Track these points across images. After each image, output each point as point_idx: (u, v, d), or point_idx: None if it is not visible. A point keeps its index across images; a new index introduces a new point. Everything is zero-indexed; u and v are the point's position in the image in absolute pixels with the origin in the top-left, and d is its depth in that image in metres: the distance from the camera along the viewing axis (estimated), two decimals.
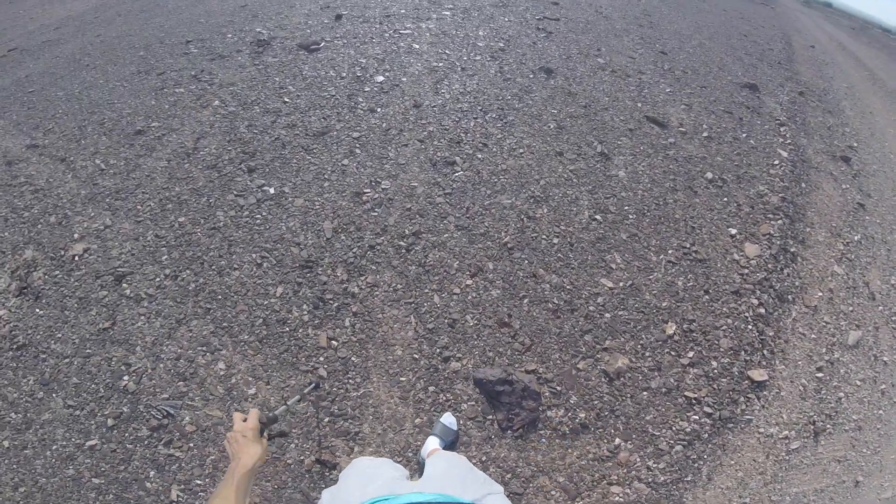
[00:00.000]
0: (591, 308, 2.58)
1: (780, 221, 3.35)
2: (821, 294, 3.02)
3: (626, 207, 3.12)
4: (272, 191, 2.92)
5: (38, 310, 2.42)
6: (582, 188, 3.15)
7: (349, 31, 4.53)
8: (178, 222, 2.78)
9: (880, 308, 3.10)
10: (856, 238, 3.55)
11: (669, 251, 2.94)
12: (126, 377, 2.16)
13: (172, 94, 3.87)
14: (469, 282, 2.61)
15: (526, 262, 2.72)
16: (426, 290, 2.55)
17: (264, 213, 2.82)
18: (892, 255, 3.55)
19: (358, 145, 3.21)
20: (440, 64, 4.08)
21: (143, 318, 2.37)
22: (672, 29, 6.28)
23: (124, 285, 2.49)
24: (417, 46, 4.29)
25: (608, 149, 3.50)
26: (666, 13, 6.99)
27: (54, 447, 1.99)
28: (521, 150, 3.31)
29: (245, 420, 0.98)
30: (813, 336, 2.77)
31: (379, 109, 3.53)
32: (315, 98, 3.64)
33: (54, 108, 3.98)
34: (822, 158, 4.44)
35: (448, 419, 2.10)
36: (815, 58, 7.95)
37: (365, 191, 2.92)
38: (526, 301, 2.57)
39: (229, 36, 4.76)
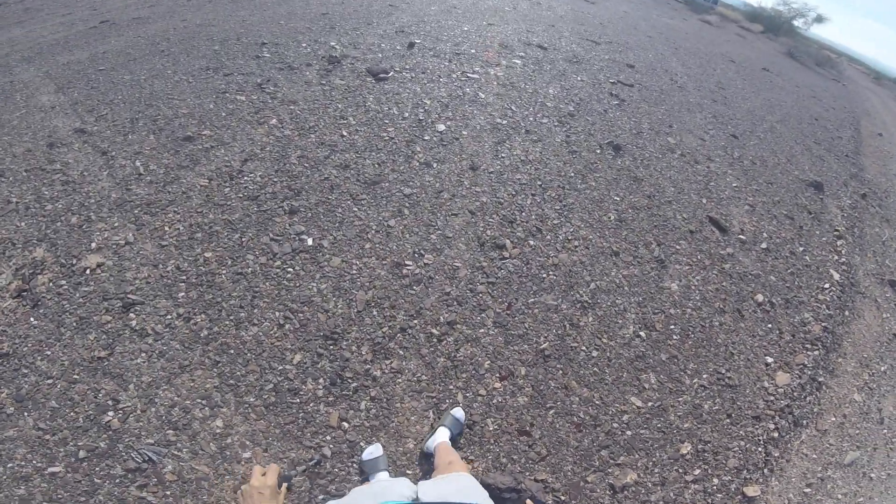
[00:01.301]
0: (614, 425, 2.25)
1: (816, 352, 2.95)
2: (834, 419, 2.71)
3: (672, 326, 2.68)
4: (310, 242, 2.55)
5: (32, 319, 2.06)
6: (632, 299, 2.70)
7: (418, 64, 4.08)
8: (204, 257, 2.40)
9: (885, 431, 2.79)
10: (882, 368, 3.14)
11: (704, 375, 2.56)
12: (111, 413, 1.82)
13: (232, 101, 3.52)
14: (497, 385, 2.25)
15: (560, 372, 2.34)
16: (451, 387, 2.19)
17: (297, 268, 2.46)
18: None
19: (408, 205, 2.82)
20: (504, 121, 3.61)
21: (144, 354, 2.01)
22: (745, 107, 5.61)
23: (131, 315, 2.12)
24: (483, 96, 3.82)
25: (665, 254, 3.02)
26: (740, 87, 6.29)
27: (9, 465, 1.66)
28: (577, 244, 2.86)
29: (264, 475, 0.85)
30: (814, 456, 2.52)
31: (435, 165, 3.11)
32: (373, 137, 3.23)
33: (115, 93, 3.66)
34: (870, 282, 3.88)
35: (458, 412, 2.01)
36: (882, 148, 7.18)
37: (406, 262, 2.53)
38: (552, 412, 2.22)
39: (303, 45, 4.38)
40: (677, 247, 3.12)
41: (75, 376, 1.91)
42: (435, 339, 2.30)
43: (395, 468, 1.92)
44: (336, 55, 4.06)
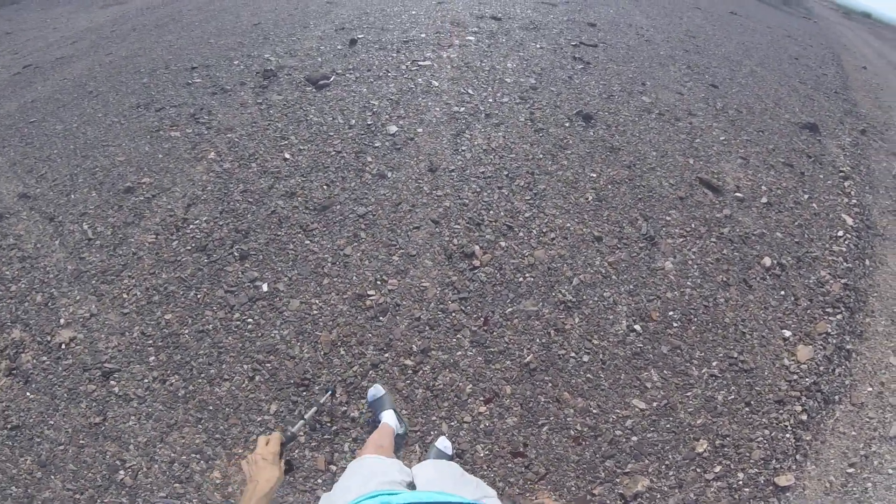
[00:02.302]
0: (617, 432, 2.09)
1: (839, 316, 2.69)
2: (871, 389, 2.48)
3: (671, 313, 2.45)
4: (265, 287, 2.37)
5: (28, 393, 2.17)
6: (621, 288, 2.47)
7: (363, 62, 3.78)
8: (165, 319, 2.34)
9: None
10: None
11: (714, 363, 2.34)
12: (122, 472, 1.93)
13: (167, 140, 3.29)
14: (483, 409, 2.09)
15: (549, 384, 2.16)
16: (433, 418, 2.06)
17: (256, 317, 2.29)
18: None
19: (363, 226, 2.58)
20: (461, 108, 3.32)
21: (133, 417, 2.08)
22: (720, 53, 5.25)
23: (112, 382, 2.17)
24: (437, 84, 3.52)
25: (654, 228, 2.77)
26: (711, 34, 5.90)
27: None
28: (553, 235, 2.62)
29: (267, 443, 0.93)
30: (853, 433, 2.32)
31: (389, 174, 2.85)
32: (318, 155, 2.98)
33: (50, 147, 3.52)
34: (888, 221, 3.60)
35: (442, 442, 1.93)
36: (869, 81, 6.82)
37: (368, 292, 2.32)
38: (545, 429, 2.07)
39: (236, 62, 4.09)
40: (667, 218, 2.86)
41: (81, 441, 2.01)
42: (410, 371, 2.14)
43: None
44: (271, 68, 3.76)
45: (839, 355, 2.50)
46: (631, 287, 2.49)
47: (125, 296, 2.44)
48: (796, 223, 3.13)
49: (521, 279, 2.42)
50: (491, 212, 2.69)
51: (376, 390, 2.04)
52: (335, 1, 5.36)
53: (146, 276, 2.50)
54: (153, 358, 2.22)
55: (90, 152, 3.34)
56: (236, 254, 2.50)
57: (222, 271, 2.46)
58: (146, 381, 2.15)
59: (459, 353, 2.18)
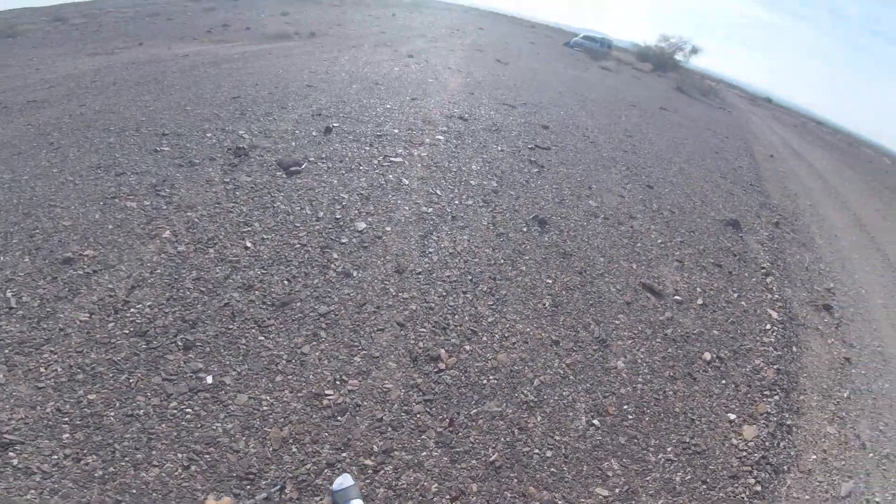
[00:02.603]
0: None
1: (776, 397, 3.00)
2: (815, 457, 2.72)
3: (626, 406, 2.59)
4: (210, 380, 2.21)
5: None
6: (579, 387, 2.58)
7: (336, 152, 3.96)
8: (88, 399, 2.10)
9: (871, 455, 2.84)
10: (845, 395, 3.26)
11: (668, 448, 2.47)
12: None
13: (122, 210, 3.15)
14: None
15: (515, 480, 2.15)
16: None
17: (196, 408, 2.11)
18: (877, 402, 3.29)
19: (324, 326, 2.54)
20: (430, 209, 3.52)
21: (33, 491, 1.81)
22: (653, 151, 6.11)
23: (11, 454, 1.90)
24: (407, 182, 3.74)
25: (605, 332, 2.97)
26: (646, 131, 6.91)
27: None
28: (514, 340, 2.72)
29: None
30: (807, 497, 2.49)
31: (355, 273, 2.89)
32: (282, 247, 2.97)
33: None
34: (806, 311, 4.14)
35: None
36: (777, 169, 8.11)
37: (326, 392, 2.24)
38: None
39: (209, 135, 4.14)
40: (616, 322, 3.09)
41: None
42: (370, 471, 2.03)
43: None
44: (244, 146, 3.84)
45: (781, 431, 2.77)
46: (588, 385, 2.60)
47: (42, 370, 2.19)
48: (729, 321, 3.50)
49: (485, 381, 2.45)
50: (456, 316, 2.77)
51: (344, 479, 1.91)
52: (315, 86, 5.73)
53: (71, 353, 2.27)
54: (68, 436, 1.97)
55: (34, 210, 3.11)
56: (180, 343, 2.34)
57: (162, 359, 2.28)
58: (56, 457, 1.91)
59: (424, 453, 2.12)
